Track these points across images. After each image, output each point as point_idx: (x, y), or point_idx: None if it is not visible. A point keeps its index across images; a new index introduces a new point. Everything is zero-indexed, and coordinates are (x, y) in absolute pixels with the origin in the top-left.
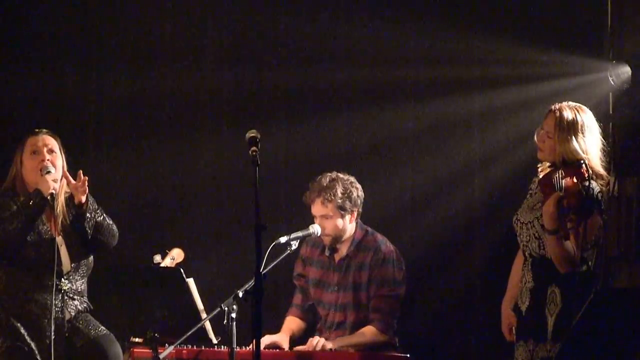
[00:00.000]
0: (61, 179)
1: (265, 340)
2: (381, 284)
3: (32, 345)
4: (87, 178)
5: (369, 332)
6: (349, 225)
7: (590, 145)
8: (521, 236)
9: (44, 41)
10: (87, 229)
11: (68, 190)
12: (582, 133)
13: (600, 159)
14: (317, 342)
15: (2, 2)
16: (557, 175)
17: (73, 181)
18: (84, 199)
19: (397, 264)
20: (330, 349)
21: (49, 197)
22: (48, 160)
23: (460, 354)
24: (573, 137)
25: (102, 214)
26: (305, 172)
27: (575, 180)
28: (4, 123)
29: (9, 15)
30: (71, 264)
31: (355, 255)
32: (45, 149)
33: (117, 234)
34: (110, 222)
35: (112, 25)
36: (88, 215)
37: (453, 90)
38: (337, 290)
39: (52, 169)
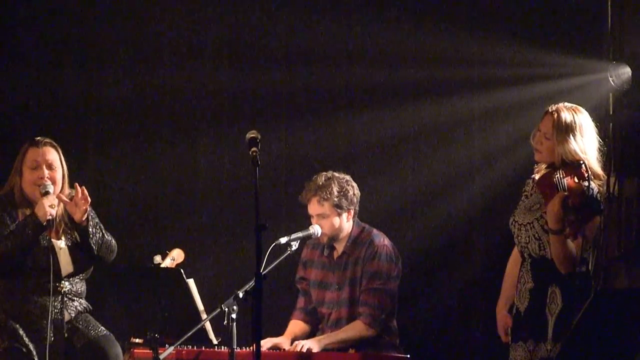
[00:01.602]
0: (62, 184)
1: (267, 342)
2: (372, 278)
3: (31, 346)
4: (85, 191)
5: (355, 327)
6: (345, 223)
7: (588, 145)
8: (519, 238)
9: (42, 40)
10: (92, 244)
11: (72, 194)
12: (580, 133)
13: (597, 159)
14: (300, 346)
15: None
16: (558, 175)
17: (68, 201)
18: (84, 216)
19: (390, 259)
20: (332, 350)
21: (45, 224)
22: (47, 178)
23: (460, 354)
24: (571, 138)
25: (101, 231)
26: (305, 172)
27: (576, 179)
28: (3, 123)
29: (6, 15)
30: (72, 266)
31: (352, 252)
32: (45, 165)
33: (116, 249)
34: (109, 237)
35: (111, 25)
36: (91, 230)
37: (453, 91)
38: (338, 288)
39: (51, 189)
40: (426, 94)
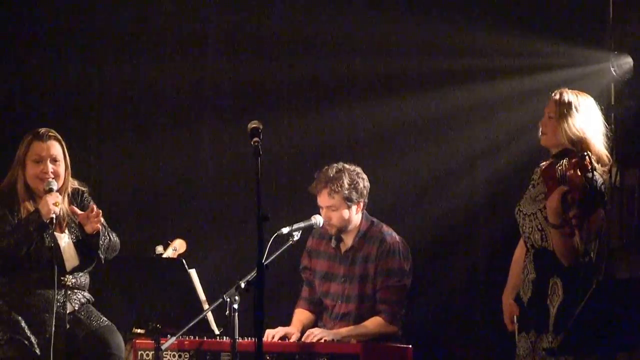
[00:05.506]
0: (65, 177)
1: (280, 331)
2: (388, 275)
3: (32, 339)
4: (100, 212)
5: (375, 322)
6: (355, 216)
7: (592, 124)
8: (523, 227)
9: (44, 32)
10: (100, 254)
11: (74, 184)
12: (583, 112)
13: (604, 142)
14: (312, 335)
15: None
16: (560, 167)
17: (80, 212)
18: (94, 231)
19: (403, 255)
20: (333, 340)
21: (48, 222)
22: (51, 172)
23: (462, 344)
24: (575, 114)
25: (108, 235)
26: (307, 162)
27: (579, 172)
28: (6, 114)
29: (9, 7)
30: (78, 260)
31: (361, 247)
32: (49, 159)
33: (119, 247)
34: (115, 238)
35: (113, 16)
36: (100, 242)
37: (455, 81)
38: (344, 281)
39: (55, 186)
40: (428, 83)
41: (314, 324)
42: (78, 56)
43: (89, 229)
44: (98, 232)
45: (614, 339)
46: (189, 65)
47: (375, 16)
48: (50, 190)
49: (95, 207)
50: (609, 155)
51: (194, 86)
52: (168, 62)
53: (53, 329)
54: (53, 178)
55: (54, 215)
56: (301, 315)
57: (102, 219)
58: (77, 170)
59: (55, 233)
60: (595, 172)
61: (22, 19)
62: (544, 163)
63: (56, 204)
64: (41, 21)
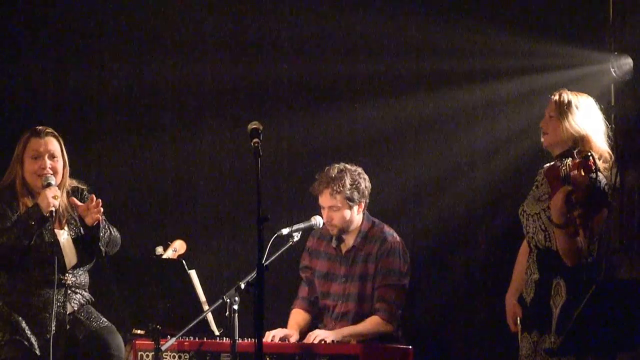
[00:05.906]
0: (63, 174)
1: (279, 332)
2: (387, 274)
3: (32, 339)
4: (100, 201)
5: (373, 322)
6: (356, 216)
7: (593, 120)
8: (527, 228)
9: (45, 32)
10: (101, 247)
11: (73, 183)
12: (583, 109)
13: (605, 140)
14: (314, 337)
15: None
16: (564, 167)
17: (80, 204)
18: (94, 223)
19: (403, 256)
20: (333, 341)
21: (48, 215)
22: (49, 168)
23: (463, 345)
24: (575, 111)
25: (108, 229)
26: (307, 163)
27: (583, 173)
28: (7, 114)
29: (10, 6)
30: (77, 258)
31: (362, 247)
32: (46, 155)
33: (120, 241)
34: (115, 232)
35: (114, 16)
36: (100, 234)
37: (455, 82)
38: (345, 281)
39: (53, 180)
40: (428, 84)
41: (310, 325)
42: (78, 56)
43: (89, 220)
44: (99, 224)
45: (614, 339)
46: (189, 65)
47: (376, 16)
48: (49, 185)
49: (94, 197)
50: (610, 153)
51: (194, 86)
52: (168, 62)
53: (53, 329)
54: (51, 174)
55: (53, 209)
56: (298, 316)
57: (101, 209)
58: (77, 170)
59: (54, 229)
60: (599, 173)
61: (22, 18)
62: (548, 165)
63: (55, 197)
64: (42, 21)
